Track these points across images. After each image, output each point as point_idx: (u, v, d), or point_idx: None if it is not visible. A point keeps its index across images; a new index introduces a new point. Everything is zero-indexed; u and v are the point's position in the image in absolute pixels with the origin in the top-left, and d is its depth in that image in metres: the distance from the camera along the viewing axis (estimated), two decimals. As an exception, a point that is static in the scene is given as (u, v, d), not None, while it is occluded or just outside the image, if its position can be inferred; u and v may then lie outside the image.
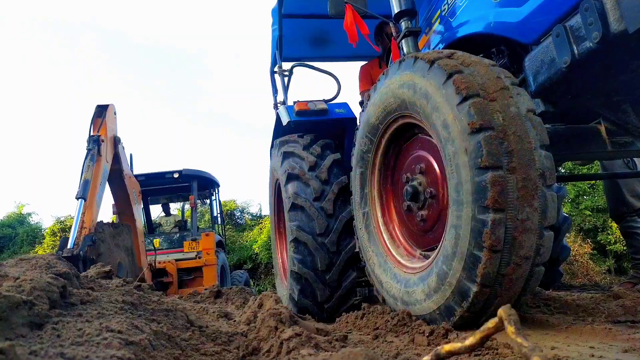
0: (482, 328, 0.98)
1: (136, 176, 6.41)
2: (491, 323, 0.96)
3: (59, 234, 14.79)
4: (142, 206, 7.87)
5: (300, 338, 1.37)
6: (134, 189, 5.90)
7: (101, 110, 4.97)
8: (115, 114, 5.28)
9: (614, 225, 8.67)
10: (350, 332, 1.97)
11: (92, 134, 4.78)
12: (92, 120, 4.89)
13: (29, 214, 18.92)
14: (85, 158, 4.54)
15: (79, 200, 4.24)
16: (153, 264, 6.76)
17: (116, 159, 5.26)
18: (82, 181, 4.37)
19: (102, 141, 4.73)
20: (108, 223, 4.68)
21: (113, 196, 5.79)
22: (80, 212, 4.16)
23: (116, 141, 5.23)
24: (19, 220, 18.58)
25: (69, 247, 3.91)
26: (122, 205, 5.76)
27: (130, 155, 6.30)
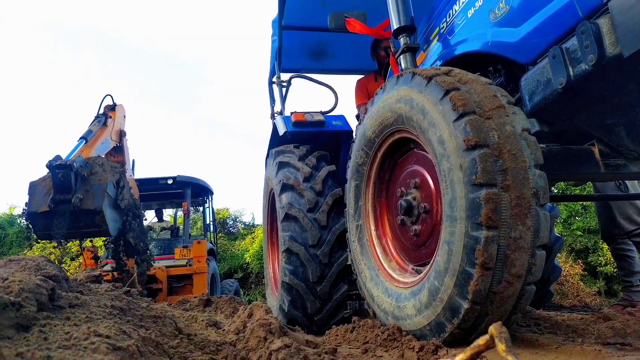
0: (472, 345, 0.98)
1: None
2: (482, 340, 0.96)
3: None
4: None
5: (289, 349, 1.36)
6: (133, 190, 5.85)
7: (110, 105, 5.00)
8: (124, 117, 5.28)
9: (605, 246, 8.72)
10: (339, 345, 1.96)
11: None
12: (99, 107, 4.88)
13: (20, 215, 18.77)
14: (92, 122, 4.54)
15: (80, 140, 4.15)
16: (143, 270, 6.69)
17: (119, 149, 5.23)
18: (86, 131, 4.33)
19: (110, 117, 4.71)
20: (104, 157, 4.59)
21: None
22: (78, 149, 4.06)
23: (122, 134, 5.21)
24: (9, 221, 18.45)
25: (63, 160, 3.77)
26: None
27: (133, 161, 6.27)
